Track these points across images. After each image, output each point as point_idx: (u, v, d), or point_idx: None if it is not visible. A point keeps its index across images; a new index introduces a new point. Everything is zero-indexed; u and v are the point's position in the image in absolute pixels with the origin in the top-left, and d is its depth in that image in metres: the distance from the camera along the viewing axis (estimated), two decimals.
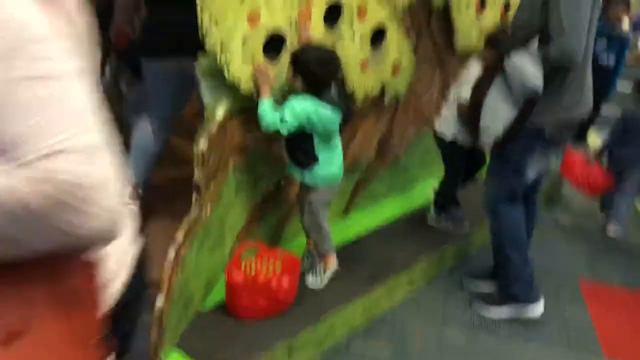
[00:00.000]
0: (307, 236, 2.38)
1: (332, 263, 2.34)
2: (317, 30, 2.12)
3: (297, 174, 2.19)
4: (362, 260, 2.58)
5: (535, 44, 2.23)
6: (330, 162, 2.15)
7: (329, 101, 2.03)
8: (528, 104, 2.24)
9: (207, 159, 1.90)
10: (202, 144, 1.87)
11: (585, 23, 2.13)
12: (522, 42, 2.25)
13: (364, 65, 2.40)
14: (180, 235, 1.79)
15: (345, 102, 2.13)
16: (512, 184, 2.45)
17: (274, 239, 2.46)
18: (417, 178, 3.18)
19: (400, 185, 3.10)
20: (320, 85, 2.01)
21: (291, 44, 2.04)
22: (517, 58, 2.24)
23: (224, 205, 2.11)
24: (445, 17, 2.82)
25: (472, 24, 2.97)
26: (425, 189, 3.21)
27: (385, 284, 2.49)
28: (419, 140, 3.09)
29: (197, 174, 1.88)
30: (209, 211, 1.99)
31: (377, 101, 2.63)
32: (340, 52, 2.24)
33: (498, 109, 2.31)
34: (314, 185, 2.18)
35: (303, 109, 1.99)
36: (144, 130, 2.52)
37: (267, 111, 1.95)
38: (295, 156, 2.14)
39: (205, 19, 1.74)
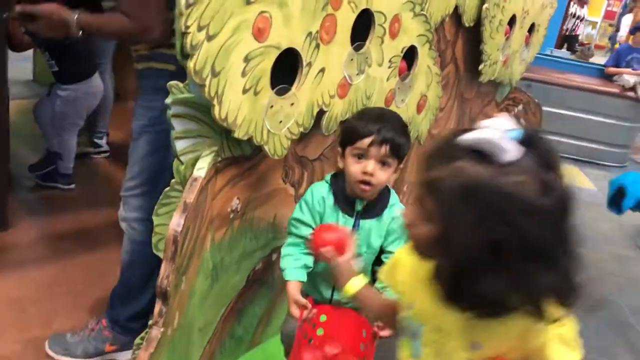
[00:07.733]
0: None
1: None
2: (343, 47, 1.48)
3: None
4: None
5: None
6: None
7: None
8: None
9: (181, 245, 1.20)
10: (174, 224, 1.18)
11: None
12: None
13: (388, 101, 1.78)
14: None
15: None
16: None
17: (259, 335, 1.77)
18: None
19: None
20: None
21: (308, 65, 1.39)
22: None
23: (196, 302, 1.41)
24: (473, 38, 2.26)
25: (499, 52, 2.42)
26: None
27: None
28: None
29: (164, 272, 1.18)
30: (176, 322, 1.29)
31: None
32: (365, 82, 1.61)
33: None
34: None
35: None
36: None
37: None
38: None
39: (190, 26, 1.06)
